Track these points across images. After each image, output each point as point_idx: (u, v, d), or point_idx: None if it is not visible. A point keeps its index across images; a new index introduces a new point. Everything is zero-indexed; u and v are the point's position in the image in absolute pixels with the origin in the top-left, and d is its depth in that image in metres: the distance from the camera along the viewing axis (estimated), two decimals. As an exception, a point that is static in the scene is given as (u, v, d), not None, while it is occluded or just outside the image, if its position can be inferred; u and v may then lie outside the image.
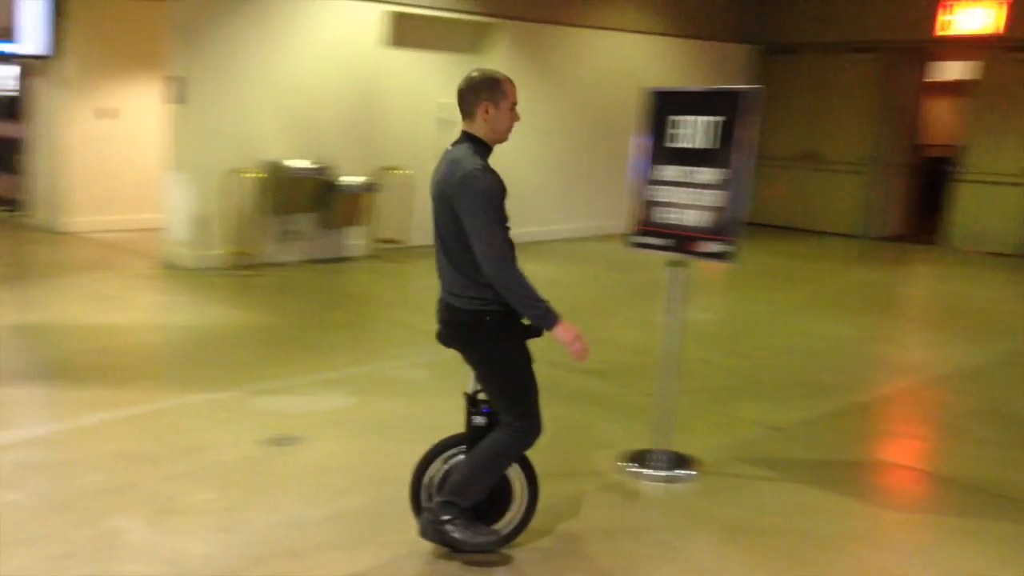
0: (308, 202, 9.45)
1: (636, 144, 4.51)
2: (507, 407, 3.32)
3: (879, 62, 12.76)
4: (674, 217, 4.33)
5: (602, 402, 5.54)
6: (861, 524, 4.06)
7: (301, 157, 9.41)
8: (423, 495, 3.51)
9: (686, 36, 12.82)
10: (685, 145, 4.28)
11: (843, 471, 4.68)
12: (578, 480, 4.34)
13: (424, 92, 10.72)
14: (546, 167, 11.74)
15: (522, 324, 3.29)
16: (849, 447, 5.05)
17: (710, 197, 4.18)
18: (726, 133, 4.12)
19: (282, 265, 9.39)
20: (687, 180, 4.27)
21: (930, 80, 14.01)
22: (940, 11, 11.99)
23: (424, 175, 12.88)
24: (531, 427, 3.33)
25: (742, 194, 4.10)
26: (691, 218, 4.26)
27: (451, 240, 3.22)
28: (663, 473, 4.41)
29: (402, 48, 10.42)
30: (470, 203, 3.11)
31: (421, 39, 10.61)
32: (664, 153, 4.37)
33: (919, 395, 6.14)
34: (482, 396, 3.42)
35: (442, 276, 3.31)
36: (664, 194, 4.37)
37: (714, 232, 4.17)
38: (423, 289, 8.64)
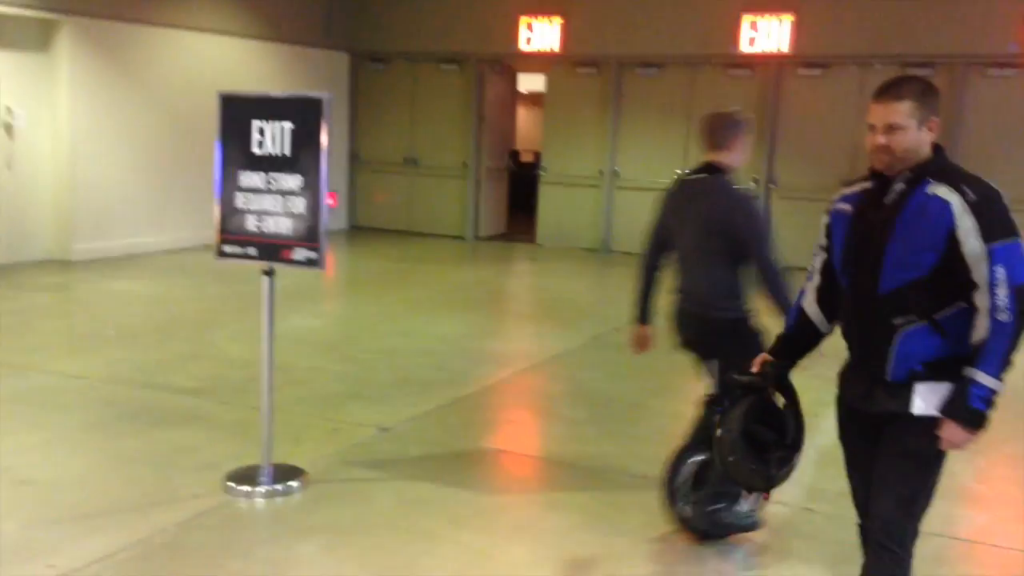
0: None
1: (217, 151, 4.33)
2: None
3: (468, 73, 13.57)
4: (261, 225, 4.23)
5: (205, 421, 5.25)
6: (464, 511, 4.23)
7: None
8: (678, 494, 3.84)
9: (276, 40, 12.62)
10: (266, 152, 4.20)
11: (448, 463, 4.86)
12: (179, 507, 4.05)
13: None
14: (134, 176, 10.93)
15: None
16: (454, 439, 5.26)
17: (294, 204, 4.14)
18: (304, 139, 4.11)
19: None
20: (270, 187, 4.19)
21: (517, 90, 15.20)
22: (520, 27, 13.01)
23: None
24: None
25: (323, 200, 4.10)
26: (278, 225, 4.19)
27: (716, 258, 3.77)
28: (270, 488, 4.26)
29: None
30: (753, 225, 3.75)
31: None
32: (245, 160, 4.25)
33: (517, 383, 6.58)
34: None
35: (690, 292, 3.91)
36: (249, 202, 4.25)
37: (302, 239, 4.14)
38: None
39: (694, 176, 3.90)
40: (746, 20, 11.77)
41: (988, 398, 2.51)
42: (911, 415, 2.62)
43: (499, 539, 4.00)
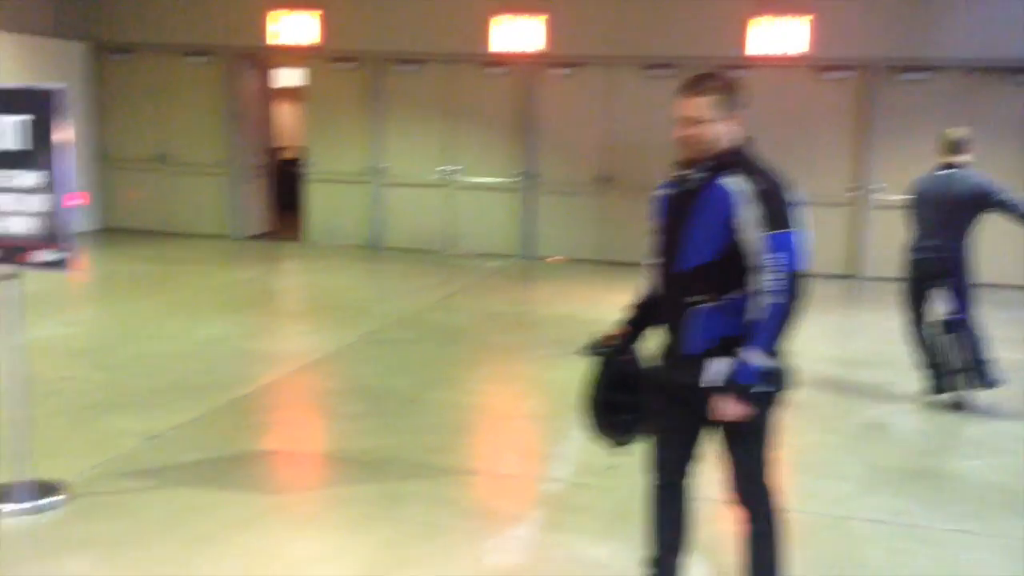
0: None
1: None
2: None
3: (218, 66, 13.09)
4: None
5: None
6: (243, 513, 4.17)
7: None
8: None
9: (7, 30, 11.58)
10: None
11: (224, 467, 4.74)
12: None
13: None
14: None
15: None
16: (229, 443, 5.13)
17: (34, 202, 3.90)
18: (40, 134, 3.89)
19: None
20: (5, 185, 3.93)
21: (274, 86, 14.84)
22: (268, 20, 12.72)
23: None
24: None
25: (68, 198, 3.91)
26: (17, 226, 3.93)
27: (964, 223, 5.78)
28: (27, 505, 3.99)
29: None
30: (995, 190, 5.70)
31: None
32: None
33: (292, 382, 6.49)
34: None
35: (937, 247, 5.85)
36: None
37: (46, 240, 3.91)
38: None
39: (942, 172, 5.81)
40: (499, 20, 12.16)
41: (756, 373, 2.81)
42: (702, 387, 2.88)
43: (282, 538, 3.98)
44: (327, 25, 12.62)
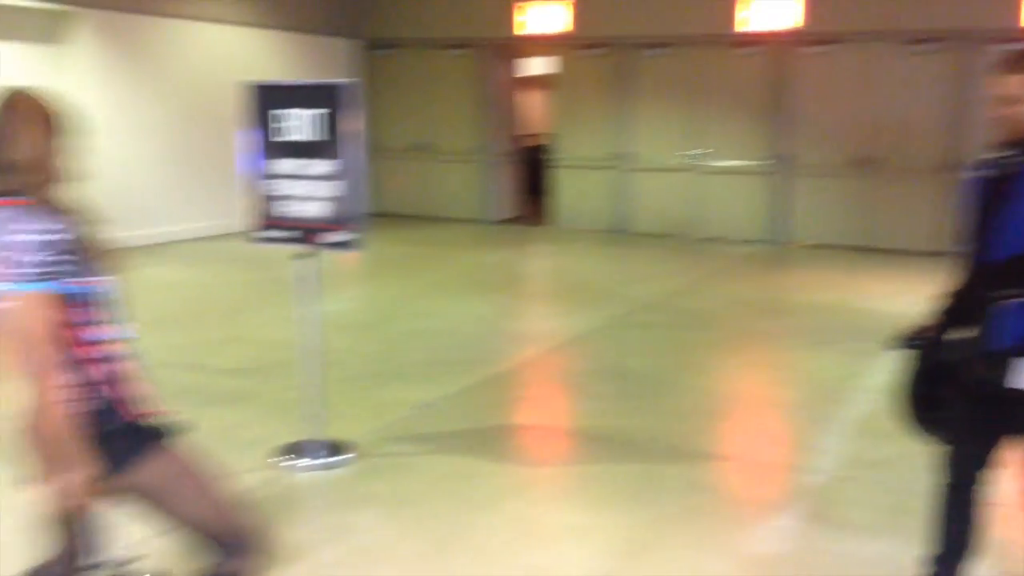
0: None
1: (243, 139, 4.45)
2: None
3: (472, 58, 13.64)
4: (295, 210, 4.37)
5: (248, 401, 5.40)
6: (507, 482, 4.38)
7: None
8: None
9: (286, 29, 12.70)
10: (294, 138, 4.32)
11: (487, 437, 5.00)
12: (237, 481, 4.19)
13: None
14: (154, 167, 11.04)
15: None
16: (490, 415, 5.40)
17: (326, 188, 4.26)
18: (331, 125, 4.23)
19: None
20: (302, 173, 4.33)
21: (520, 75, 15.26)
22: (515, 12, 13.08)
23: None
24: None
25: (357, 184, 4.23)
26: (312, 210, 4.32)
27: None
28: (320, 461, 4.41)
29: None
30: None
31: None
32: (275, 147, 4.38)
33: (545, 361, 6.71)
34: None
35: None
36: (281, 188, 4.38)
37: (336, 222, 4.27)
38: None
39: None
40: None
41: None
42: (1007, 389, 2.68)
43: (545, 508, 4.14)
44: (578, 13, 12.81)
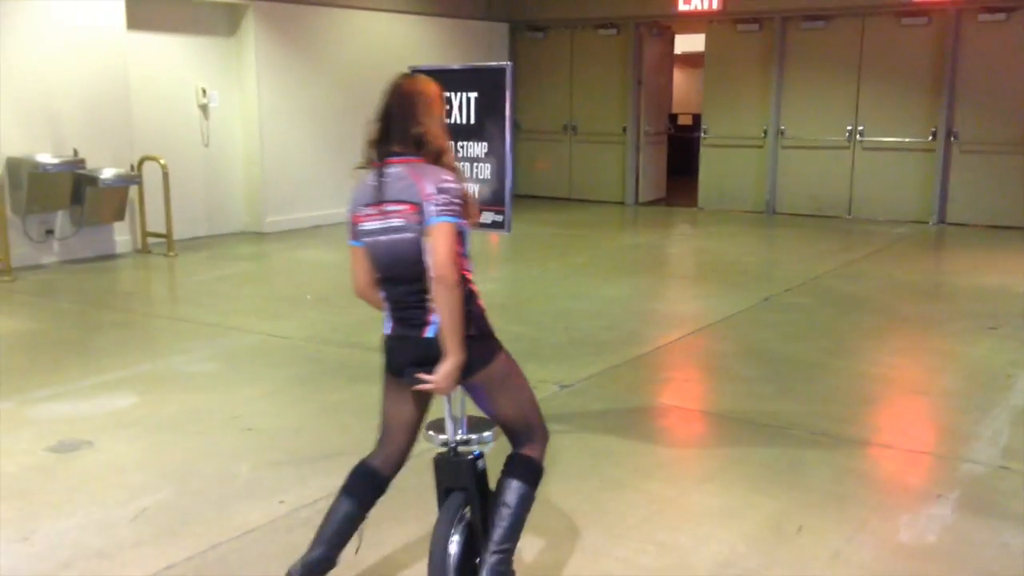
0: (64, 199, 8.80)
1: None
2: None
3: (626, 37, 13.54)
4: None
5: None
6: (648, 462, 4.41)
7: (48, 151, 8.75)
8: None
9: (439, 15, 13.00)
10: (454, 121, 4.44)
11: (629, 417, 5.04)
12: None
13: (180, 77, 10.30)
14: (316, 151, 11.57)
15: None
16: (632, 396, 5.43)
17: (480, 170, 4.38)
18: (486, 108, 4.33)
19: (40, 267, 8.73)
20: (459, 155, 4.45)
21: (674, 53, 15.05)
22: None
23: (188, 163, 12.46)
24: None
25: (508, 165, 4.32)
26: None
27: None
28: (465, 437, 4.55)
29: (151, 32, 9.92)
30: None
31: (169, 23, 10.15)
32: None
33: (690, 343, 6.66)
34: None
35: None
36: None
37: (488, 203, 4.38)
38: (199, 282, 8.34)
39: None
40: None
41: None
42: None
43: (685, 489, 4.15)
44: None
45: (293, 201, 11.32)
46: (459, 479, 3.01)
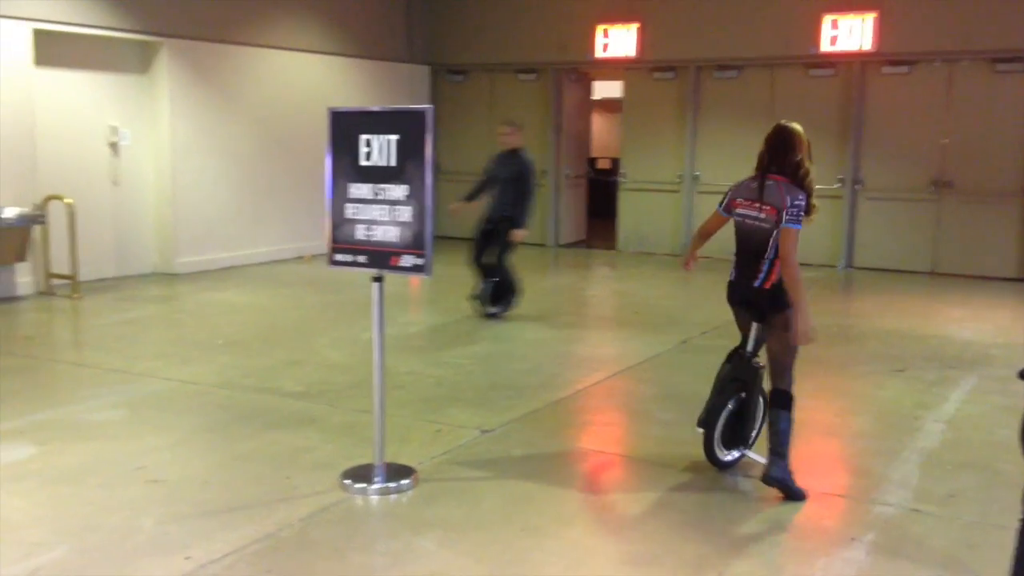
0: (-38, 238, 8.42)
1: (326, 163, 4.54)
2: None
3: (545, 82, 13.71)
4: (370, 234, 4.43)
5: (315, 423, 5.48)
6: (569, 508, 4.36)
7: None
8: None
9: (360, 56, 13.00)
10: (372, 163, 4.39)
11: (550, 463, 4.99)
12: (300, 504, 4.26)
13: (90, 114, 10.03)
14: (230, 190, 11.37)
15: None
16: (553, 441, 5.39)
17: (400, 212, 4.32)
18: (406, 150, 4.29)
19: (-66, 310, 8.30)
20: (378, 197, 4.40)
21: (593, 98, 15.30)
22: (596, 35, 13.11)
23: (97, 202, 12.11)
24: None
25: (429, 208, 4.27)
26: (386, 234, 4.38)
27: None
28: (384, 486, 4.45)
29: (60, 68, 9.64)
30: None
31: (79, 59, 9.90)
32: (354, 171, 4.46)
33: (610, 386, 6.67)
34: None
35: None
36: (358, 211, 4.46)
37: (408, 246, 4.32)
38: (105, 326, 8.03)
39: None
40: (827, 19, 11.67)
41: None
42: None
43: (606, 536, 4.11)
44: (645, 37, 12.82)
45: (205, 241, 11.05)
46: (746, 373, 4.68)
